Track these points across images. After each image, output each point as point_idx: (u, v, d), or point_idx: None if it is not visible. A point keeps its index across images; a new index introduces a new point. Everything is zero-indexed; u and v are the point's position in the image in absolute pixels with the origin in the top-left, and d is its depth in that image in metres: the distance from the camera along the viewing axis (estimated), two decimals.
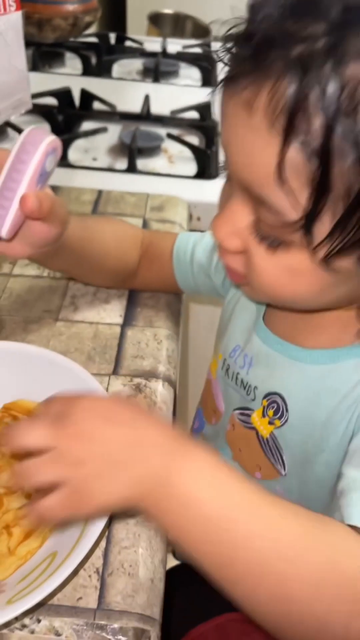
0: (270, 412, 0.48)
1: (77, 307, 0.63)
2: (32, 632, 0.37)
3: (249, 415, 0.51)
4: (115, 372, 0.56)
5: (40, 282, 0.65)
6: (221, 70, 0.37)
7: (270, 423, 0.49)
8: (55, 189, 0.81)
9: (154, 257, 0.62)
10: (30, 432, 0.33)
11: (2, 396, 0.49)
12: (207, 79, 1.25)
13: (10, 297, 0.63)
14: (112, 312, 0.62)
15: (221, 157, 0.94)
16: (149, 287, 0.65)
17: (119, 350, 0.58)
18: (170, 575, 0.47)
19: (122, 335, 0.60)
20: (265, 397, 0.49)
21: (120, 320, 0.62)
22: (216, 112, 1.07)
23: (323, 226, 0.34)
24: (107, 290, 0.65)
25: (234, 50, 0.35)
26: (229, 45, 0.35)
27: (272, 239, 0.37)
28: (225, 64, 0.36)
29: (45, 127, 0.98)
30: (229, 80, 0.35)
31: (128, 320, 0.62)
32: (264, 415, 0.49)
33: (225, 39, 0.36)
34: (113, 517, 0.43)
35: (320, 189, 0.32)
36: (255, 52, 0.33)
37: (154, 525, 0.43)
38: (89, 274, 0.62)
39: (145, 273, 0.62)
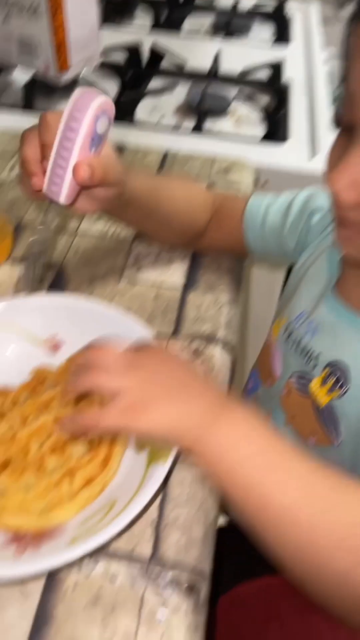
0: (331, 382, 0.48)
1: (140, 267, 0.63)
2: (89, 573, 0.39)
3: (307, 383, 0.50)
4: (174, 334, 0.56)
5: (105, 241, 0.66)
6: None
7: (329, 392, 0.48)
8: (120, 149, 0.81)
9: (224, 218, 0.61)
10: (111, 350, 0.37)
11: (68, 348, 0.51)
12: (281, 36, 1.19)
13: (77, 254, 0.64)
14: (174, 275, 0.62)
15: (293, 119, 0.91)
16: (216, 249, 0.64)
17: (179, 313, 0.58)
18: (220, 534, 0.48)
19: (183, 298, 0.60)
20: (326, 366, 0.48)
21: (182, 282, 0.61)
22: (288, 72, 1.02)
23: None
24: (170, 252, 0.65)
25: None
26: None
27: None
28: None
29: (113, 84, 0.97)
30: None
31: (190, 284, 0.61)
32: (323, 384, 0.49)
33: None
34: (170, 474, 0.44)
35: None
36: None
37: (208, 485, 0.44)
38: (157, 230, 0.61)
39: (214, 234, 0.61)
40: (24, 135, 0.45)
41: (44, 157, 0.45)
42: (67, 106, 0.42)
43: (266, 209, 0.59)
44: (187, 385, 0.37)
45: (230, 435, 0.34)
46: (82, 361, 0.38)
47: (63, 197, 0.44)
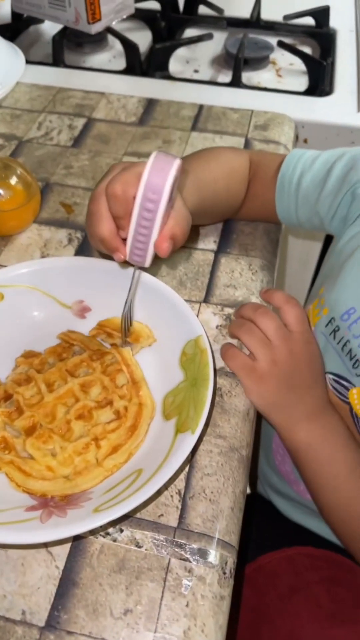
0: None
1: None
2: (115, 540, 0.39)
3: (346, 388, 0.47)
4: (206, 300, 0.54)
5: None
6: None
7: None
8: (153, 102, 0.77)
9: (258, 189, 0.56)
10: (269, 320, 0.45)
11: (98, 314, 0.49)
12: None
13: None
14: (206, 237, 0.60)
15: (340, 70, 0.84)
16: (252, 219, 0.60)
17: (211, 278, 0.56)
18: (249, 502, 0.48)
19: (215, 262, 0.57)
20: None
21: (214, 246, 0.59)
22: (334, 19, 0.95)
23: None
24: None
25: None
26: None
27: None
28: None
29: (145, 34, 0.92)
30: None
31: (222, 247, 0.59)
32: None
33: None
34: (198, 444, 0.43)
35: None
36: None
37: (237, 456, 0.43)
38: (200, 222, 0.58)
39: (249, 205, 0.58)
40: (93, 211, 0.43)
41: (119, 228, 0.43)
42: (143, 176, 0.39)
43: (300, 176, 0.53)
44: (308, 387, 0.46)
45: (308, 438, 0.45)
46: (248, 314, 0.46)
47: (148, 263, 0.43)
